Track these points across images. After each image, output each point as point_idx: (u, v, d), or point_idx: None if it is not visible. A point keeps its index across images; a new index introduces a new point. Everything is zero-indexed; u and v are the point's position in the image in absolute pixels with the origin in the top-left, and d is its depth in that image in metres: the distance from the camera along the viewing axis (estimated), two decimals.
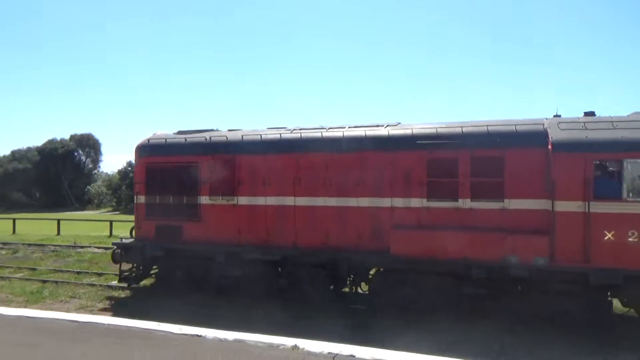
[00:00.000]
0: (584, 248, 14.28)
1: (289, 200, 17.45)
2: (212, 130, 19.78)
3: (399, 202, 16.19)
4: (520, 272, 14.70)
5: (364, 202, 16.69)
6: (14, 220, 44.71)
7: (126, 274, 19.31)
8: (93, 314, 15.74)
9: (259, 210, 17.71)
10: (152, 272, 19.54)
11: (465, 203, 15.44)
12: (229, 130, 19.48)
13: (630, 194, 14.01)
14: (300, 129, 18.10)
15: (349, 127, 17.41)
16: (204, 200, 18.53)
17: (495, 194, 15.19)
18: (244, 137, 18.49)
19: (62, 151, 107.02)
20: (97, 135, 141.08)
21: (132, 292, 19.20)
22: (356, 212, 16.61)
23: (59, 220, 42.26)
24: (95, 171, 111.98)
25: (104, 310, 16.88)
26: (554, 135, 14.73)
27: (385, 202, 16.41)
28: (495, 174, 15.09)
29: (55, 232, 40.35)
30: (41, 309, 15.74)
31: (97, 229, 43.19)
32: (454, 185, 15.50)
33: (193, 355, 9.58)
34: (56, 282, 20.65)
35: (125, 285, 19.30)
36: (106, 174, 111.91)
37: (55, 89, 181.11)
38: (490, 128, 15.67)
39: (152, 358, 9.46)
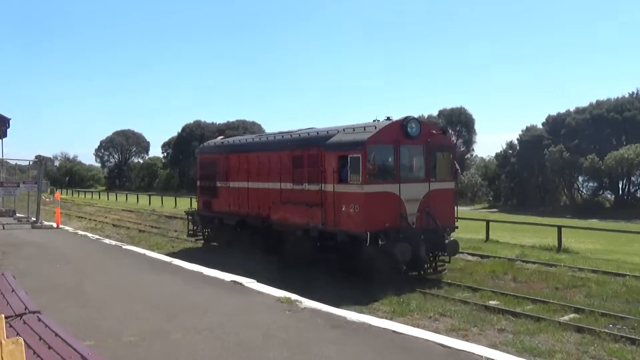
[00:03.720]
0: (334, 216, 20.93)
1: (243, 184, 26.97)
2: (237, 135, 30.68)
3: (282, 185, 24.50)
4: (313, 233, 22.18)
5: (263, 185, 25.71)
6: None
7: (191, 232, 31.15)
8: (466, 339, 13.42)
9: (235, 191, 27.58)
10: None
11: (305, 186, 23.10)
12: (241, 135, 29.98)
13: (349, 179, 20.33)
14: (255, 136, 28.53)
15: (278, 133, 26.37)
16: (218, 184, 28.92)
17: (310, 180, 22.70)
18: (229, 142, 29.04)
19: None
20: (471, 109, 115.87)
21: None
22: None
23: None
24: (469, 155, 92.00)
25: (480, 334, 14.70)
26: (334, 138, 21.50)
27: (276, 185, 24.72)
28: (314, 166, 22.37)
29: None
30: (407, 323, 14.09)
31: (472, 229, 34.18)
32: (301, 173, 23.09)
33: None
34: (423, 293, 18.92)
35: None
36: (481, 159, 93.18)
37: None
38: (310, 134, 23.41)
39: None
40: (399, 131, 20.57)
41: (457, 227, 21.85)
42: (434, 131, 21.42)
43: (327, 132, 22.19)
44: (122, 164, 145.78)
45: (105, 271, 17.50)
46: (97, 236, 28.57)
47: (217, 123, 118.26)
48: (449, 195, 21.69)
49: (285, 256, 23.39)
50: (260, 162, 25.35)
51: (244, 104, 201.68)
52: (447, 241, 20.56)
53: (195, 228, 30.93)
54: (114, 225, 44.06)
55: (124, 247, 23.93)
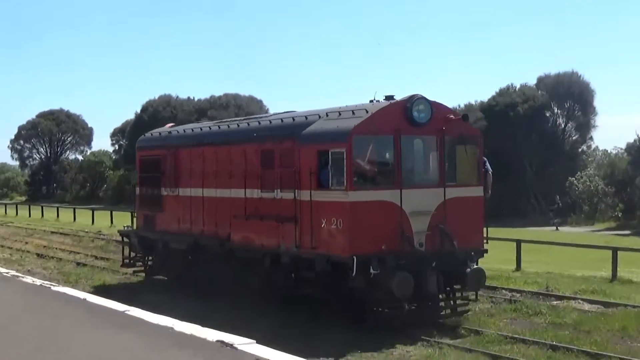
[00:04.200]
0: (311, 235, 17.01)
1: (197, 192, 22.38)
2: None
3: None
4: (285, 259, 18.32)
5: None
6: None
7: (126, 260, 25.81)
8: None
9: (186, 202, 22.64)
10: None
11: None
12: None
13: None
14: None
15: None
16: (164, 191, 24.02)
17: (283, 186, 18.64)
18: (178, 132, 24.28)
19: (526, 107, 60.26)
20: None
21: None
22: None
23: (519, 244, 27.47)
24: (584, 147, 65.24)
25: None
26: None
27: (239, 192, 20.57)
28: None
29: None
30: None
31: (590, 261, 27.58)
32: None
33: None
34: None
35: None
36: (604, 152, 67.72)
37: None
38: (284, 120, 19.17)
39: None
40: (400, 116, 16.91)
41: (486, 251, 17.98)
42: (452, 116, 17.80)
43: (306, 118, 18.63)
44: (52, 161, 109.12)
45: (23, 330, 12.13)
46: (14, 272, 21.98)
47: (196, 99, 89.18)
48: (475, 205, 17.88)
49: (252, 294, 19.64)
50: (219, 159, 21.25)
51: (237, 72, 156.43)
52: (468, 270, 16.65)
53: (132, 255, 25.75)
54: (39, 255, 34.33)
55: (53, 288, 17.51)
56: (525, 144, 56.61)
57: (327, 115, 17.89)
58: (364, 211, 16.28)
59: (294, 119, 18.96)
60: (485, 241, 18.07)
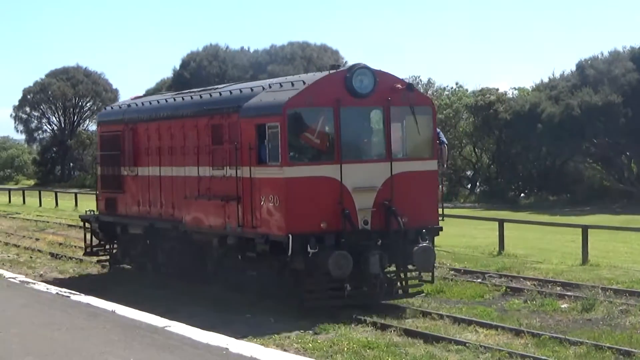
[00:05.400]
0: (251, 214, 16.61)
1: (155, 171, 21.53)
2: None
3: None
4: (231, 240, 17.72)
5: None
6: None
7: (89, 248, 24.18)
8: None
9: (145, 182, 21.81)
10: None
11: None
12: None
13: None
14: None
15: None
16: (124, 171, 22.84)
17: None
18: (137, 104, 22.98)
19: None
20: None
21: None
22: None
23: None
24: None
25: None
26: None
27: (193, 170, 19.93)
28: None
29: None
30: None
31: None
32: None
33: None
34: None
35: None
36: None
37: None
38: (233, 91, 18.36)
39: None
40: (341, 87, 16.09)
41: (441, 229, 17.15)
42: (399, 85, 16.73)
43: (252, 90, 17.80)
44: (67, 134, 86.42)
45: (38, 354, 9.67)
46: (22, 277, 19.29)
47: (252, 50, 71.56)
48: (429, 180, 16.90)
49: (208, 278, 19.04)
50: (174, 135, 20.24)
51: (305, 14, 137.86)
52: (415, 249, 15.68)
53: (93, 242, 24.13)
54: (53, 255, 27.88)
55: (73, 298, 14.88)
56: None
57: (269, 87, 17.03)
58: (301, 188, 15.54)
59: (241, 91, 18.11)
60: (441, 218, 17.35)
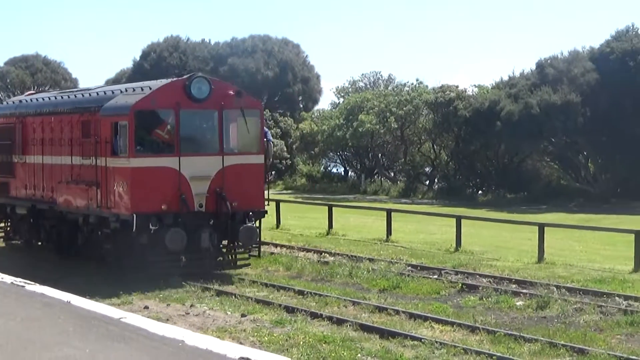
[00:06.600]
0: (106, 197, 19.37)
1: (38, 159, 24.17)
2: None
3: None
4: (93, 219, 20.48)
5: None
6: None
7: None
8: None
9: (30, 168, 24.58)
10: None
11: None
12: None
13: None
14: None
15: None
16: (15, 158, 25.90)
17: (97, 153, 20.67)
18: (27, 101, 26.30)
19: None
20: None
21: None
22: None
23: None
24: None
25: None
26: None
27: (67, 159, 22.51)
28: None
29: None
30: None
31: None
32: None
33: None
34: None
35: None
36: None
37: None
38: (99, 93, 21.38)
39: None
40: (181, 93, 19.28)
41: (266, 212, 20.54)
42: (231, 92, 20.24)
43: (113, 93, 21.10)
44: None
45: None
46: None
47: (213, 42, 72.36)
48: (256, 171, 20.15)
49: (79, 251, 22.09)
50: (54, 129, 23.31)
51: (266, 8, 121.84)
52: (241, 228, 18.97)
53: None
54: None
55: (28, 287, 13.53)
56: None
57: (126, 91, 20.33)
58: (145, 176, 18.59)
59: (105, 93, 21.24)
60: (266, 203, 20.55)
